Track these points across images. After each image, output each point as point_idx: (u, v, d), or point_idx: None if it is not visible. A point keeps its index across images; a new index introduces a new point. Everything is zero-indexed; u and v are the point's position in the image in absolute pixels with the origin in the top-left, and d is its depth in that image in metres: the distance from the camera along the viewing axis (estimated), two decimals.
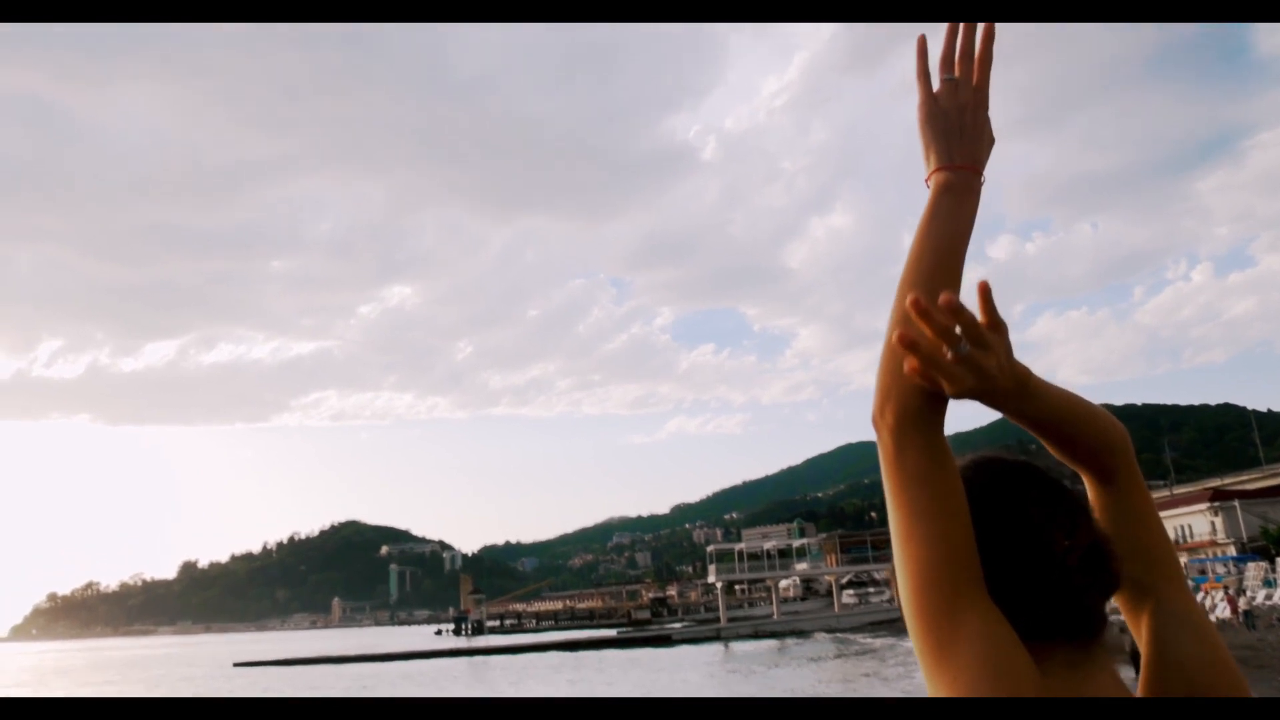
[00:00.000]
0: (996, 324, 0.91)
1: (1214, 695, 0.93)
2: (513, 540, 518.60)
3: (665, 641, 54.28)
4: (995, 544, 0.95)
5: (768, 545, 65.15)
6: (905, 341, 0.90)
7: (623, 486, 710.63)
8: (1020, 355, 0.94)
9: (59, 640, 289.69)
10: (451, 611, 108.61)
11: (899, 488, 0.94)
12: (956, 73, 1.07)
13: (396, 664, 48.23)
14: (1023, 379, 0.95)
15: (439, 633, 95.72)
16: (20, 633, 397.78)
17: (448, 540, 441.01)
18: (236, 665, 56.25)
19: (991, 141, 1.08)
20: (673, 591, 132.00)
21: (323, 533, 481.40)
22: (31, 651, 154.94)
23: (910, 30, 1.13)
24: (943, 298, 0.88)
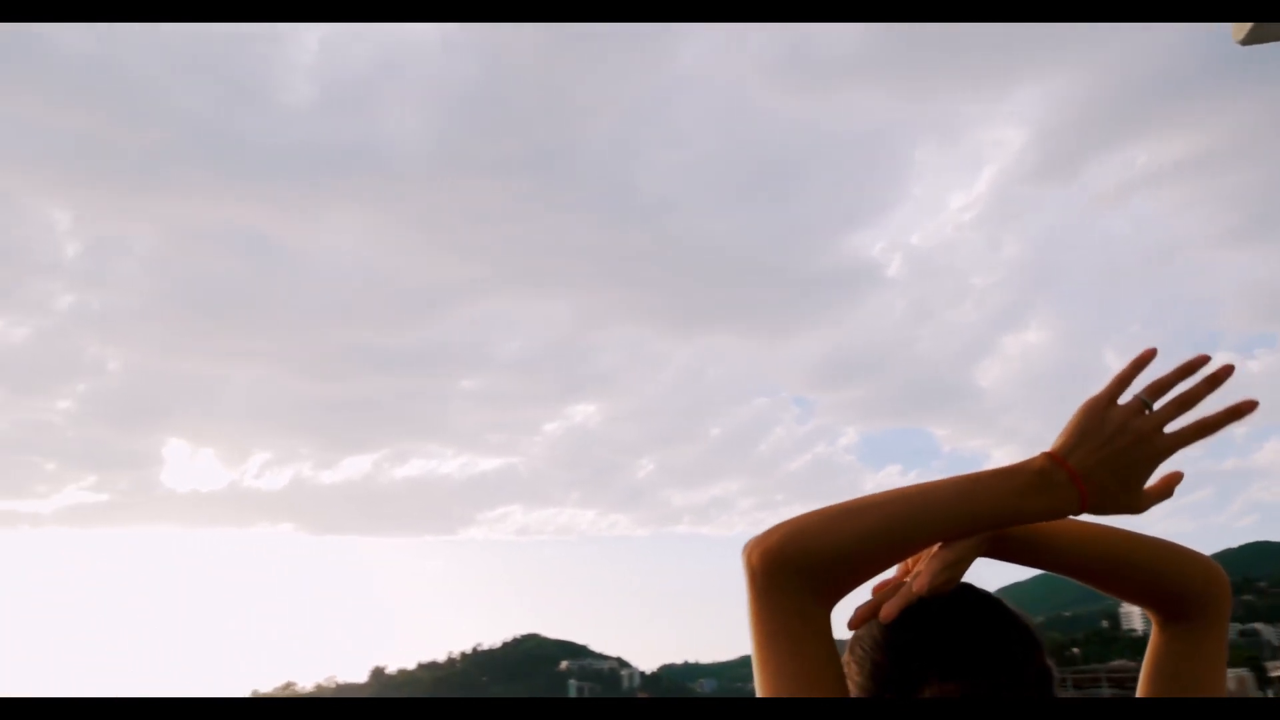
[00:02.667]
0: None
1: None
2: (691, 660, 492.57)
3: None
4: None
5: None
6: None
7: None
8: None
9: None
10: None
11: (762, 640, 0.90)
12: (1156, 406, 0.91)
13: None
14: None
15: None
16: None
17: (626, 658, 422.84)
18: None
19: (1130, 503, 0.92)
20: None
21: (505, 645, 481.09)
22: None
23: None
24: None
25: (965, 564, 0.97)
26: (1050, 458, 0.91)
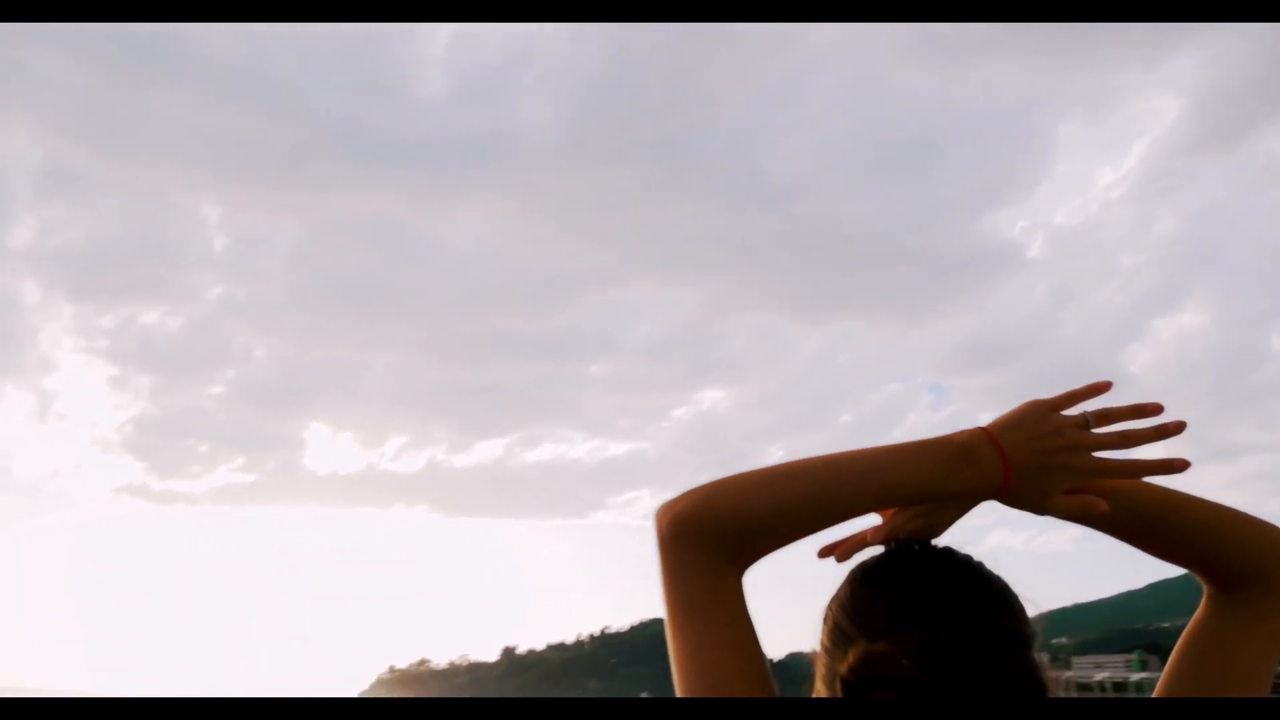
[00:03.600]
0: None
1: None
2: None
3: None
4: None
5: (1100, 676, 57.87)
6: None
7: None
8: None
9: None
10: None
11: (671, 604, 0.90)
12: (1096, 426, 0.91)
13: None
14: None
15: None
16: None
17: None
18: None
19: (1040, 501, 0.91)
20: None
21: (632, 628, 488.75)
22: None
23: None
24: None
25: (946, 515, 0.96)
26: (984, 432, 0.90)
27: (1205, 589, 0.96)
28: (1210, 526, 0.92)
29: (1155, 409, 0.90)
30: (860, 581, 0.94)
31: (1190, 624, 0.96)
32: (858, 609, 0.91)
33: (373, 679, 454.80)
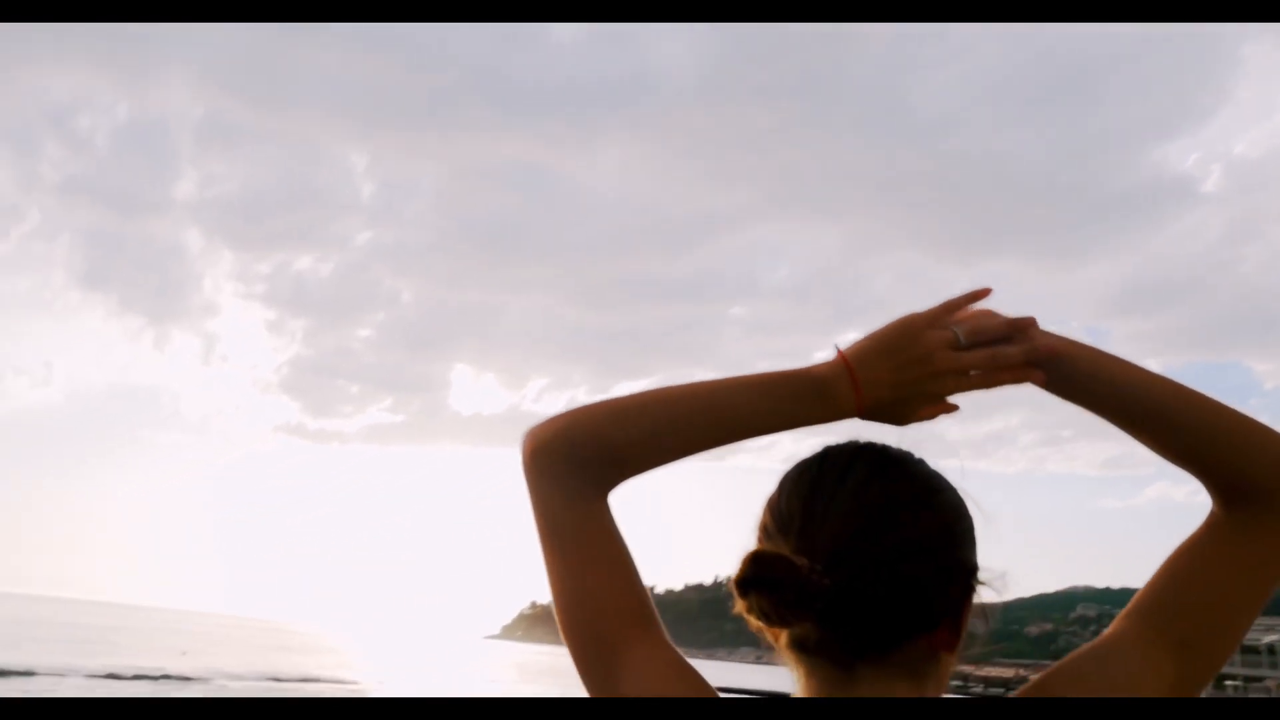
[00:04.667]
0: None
1: None
2: None
3: None
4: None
5: (1269, 639, 55.23)
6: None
7: (1090, 553, 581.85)
8: None
9: (537, 644, 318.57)
10: None
11: (539, 530, 0.92)
12: (967, 344, 0.87)
13: None
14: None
15: None
16: (508, 632, 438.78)
17: None
18: None
19: (900, 414, 0.89)
20: None
21: None
22: (516, 650, 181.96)
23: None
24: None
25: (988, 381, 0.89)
26: (844, 364, 0.87)
27: (1213, 499, 0.88)
28: (1221, 429, 0.86)
29: (1028, 323, 0.87)
30: (788, 479, 0.88)
31: (1190, 537, 0.88)
32: (780, 509, 0.86)
33: (515, 614, 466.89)
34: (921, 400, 0.88)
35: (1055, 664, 0.86)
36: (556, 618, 0.90)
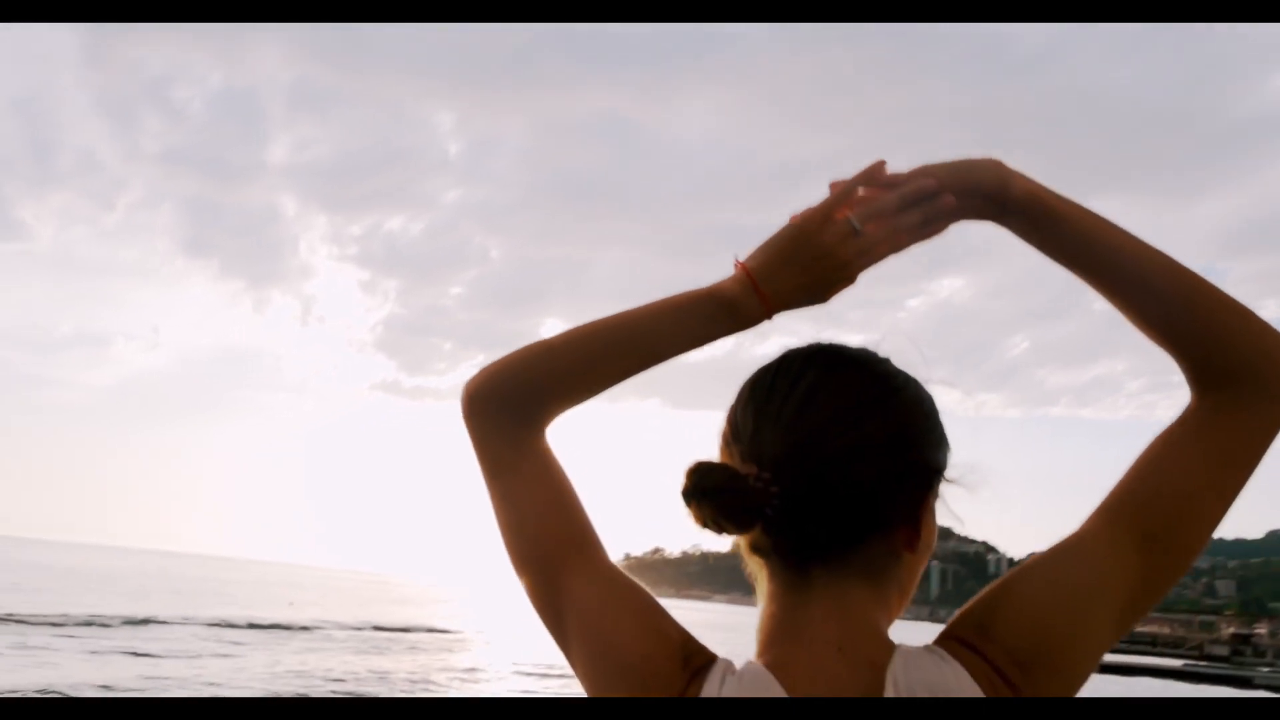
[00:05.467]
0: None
1: (1028, 632, 0.76)
2: None
3: (1243, 684, 47.44)
4: None
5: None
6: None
7: None
8: None
9: None
10: None
11: (481, 470, 0.94)
12: (861, 226, 0.87)
13: None
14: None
15: None
16: None
17: (993, 542, 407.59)
18: None
19: (820, 301, 0.90)
20: (1262, 629, 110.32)
21: None
22: None
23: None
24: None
25: (932, 223, 0.89)
26: (747, 278, 0.88)
27: (1190, 389, 0.85)
28: (1203, 302, 0.82)
29: (928, 189, 0.86)
30: (745, 387, 0.89)
31: (1163, 431, 0.85)
32: (736, 417, 0.87)
33: None
34: (831, 291, 0.89)
35: (1020, 565, 0.82)
36: (506, 552, 0.92)
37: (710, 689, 0.78)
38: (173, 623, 29.14)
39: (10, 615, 25.60)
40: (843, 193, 0.87)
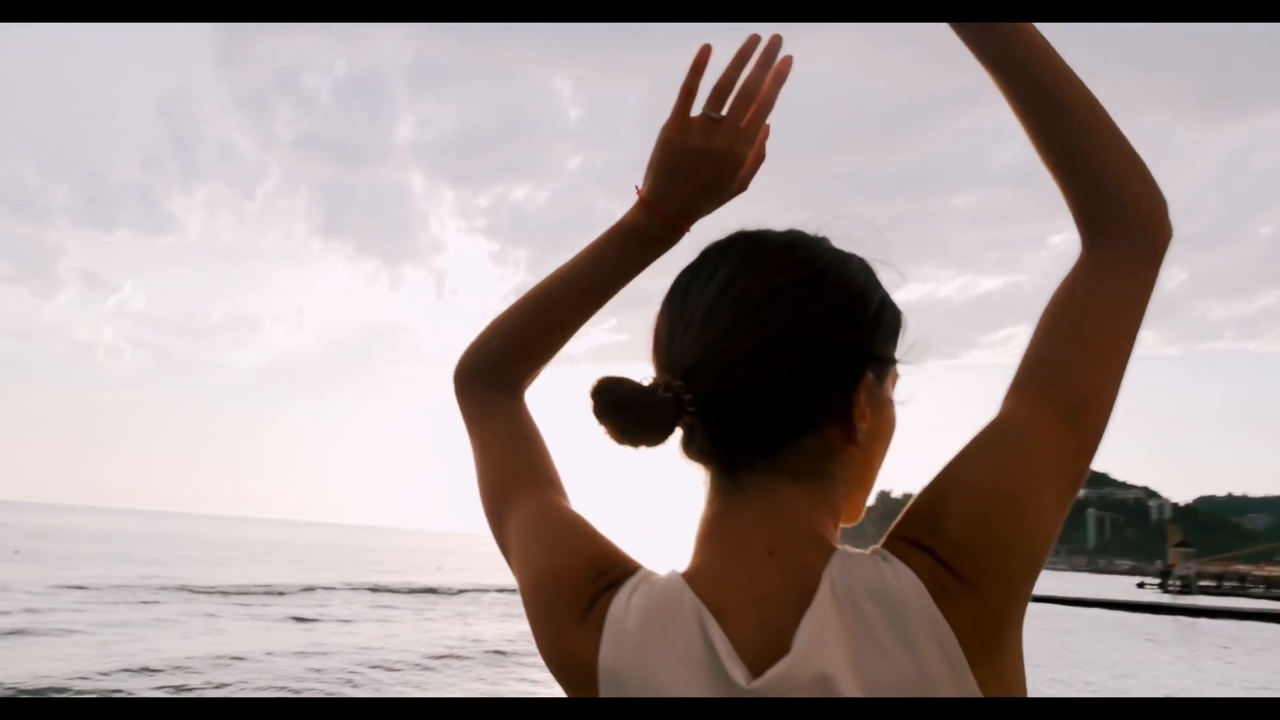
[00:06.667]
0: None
1: (979, 522, 0.71)
2: (1237, 493, 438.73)
3: None
4: None
5: None
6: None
7: None
8: None
9: None
10: (1158, 565, 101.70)
11: (468, 434, 0.99)
12: (725, 111, 0.89)
13: (1094, 611, 48.02)
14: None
15: (1141, 585, 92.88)
16: None
17: (1154, 487, 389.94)
18: None
19: (737, 191, 0.94)
20: None
21: None
22: None
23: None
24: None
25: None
26: (647, 207, 0.91)
27: (1081, 241, 0.84)
28: (1109, 144, 0.81)
29: (750, 46, 0.89)
30: (665, 294, 0.86)
31: (1056, 293, 0.83)
32: (656, 323, 0.84)
33: None
34: (732, 179, 0.91)
35: (954, 457, 0.76)
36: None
37: (619, 600, 0.76)
38: (328, 589, 30.25)
39: (185, 585, 27.06)
40: (685, 93, 0.88)
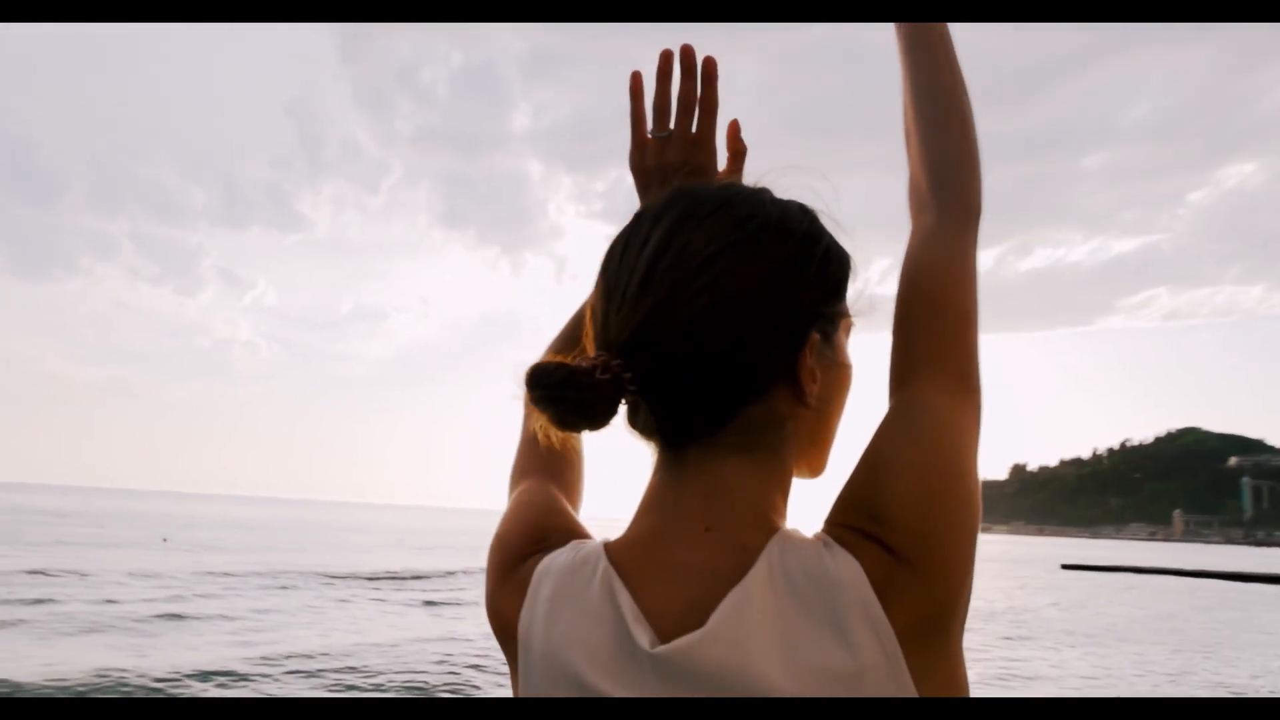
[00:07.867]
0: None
1: (925, 503, 0.69)
2: None
3: None
4: None
5: None
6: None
7: None
8: None
9: None
10: None
11: None
12: (673, 125, 0.96)
13: (1257, 586, 46.48)
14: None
15: None
16: None
17: None
18: (1064, 567, 59.97)
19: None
20: None
21: (1157, 440, 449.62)
22: None
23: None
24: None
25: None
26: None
27: (920, 213, 0.85)
28: (965, 127, 0.84)
29: (668, 60, 0.95)
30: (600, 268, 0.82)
31: (908, 262, 0.82)
32: (592, 299, 0.80)
33: None
34: (705, 178, 0.94)
35: (872, 445, 0.73)
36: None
37: (544, 564, 0.77)
38: (473, 572, 30.16)
39: (321, 572, 27.05)
40: (634, 120, 0.97)
